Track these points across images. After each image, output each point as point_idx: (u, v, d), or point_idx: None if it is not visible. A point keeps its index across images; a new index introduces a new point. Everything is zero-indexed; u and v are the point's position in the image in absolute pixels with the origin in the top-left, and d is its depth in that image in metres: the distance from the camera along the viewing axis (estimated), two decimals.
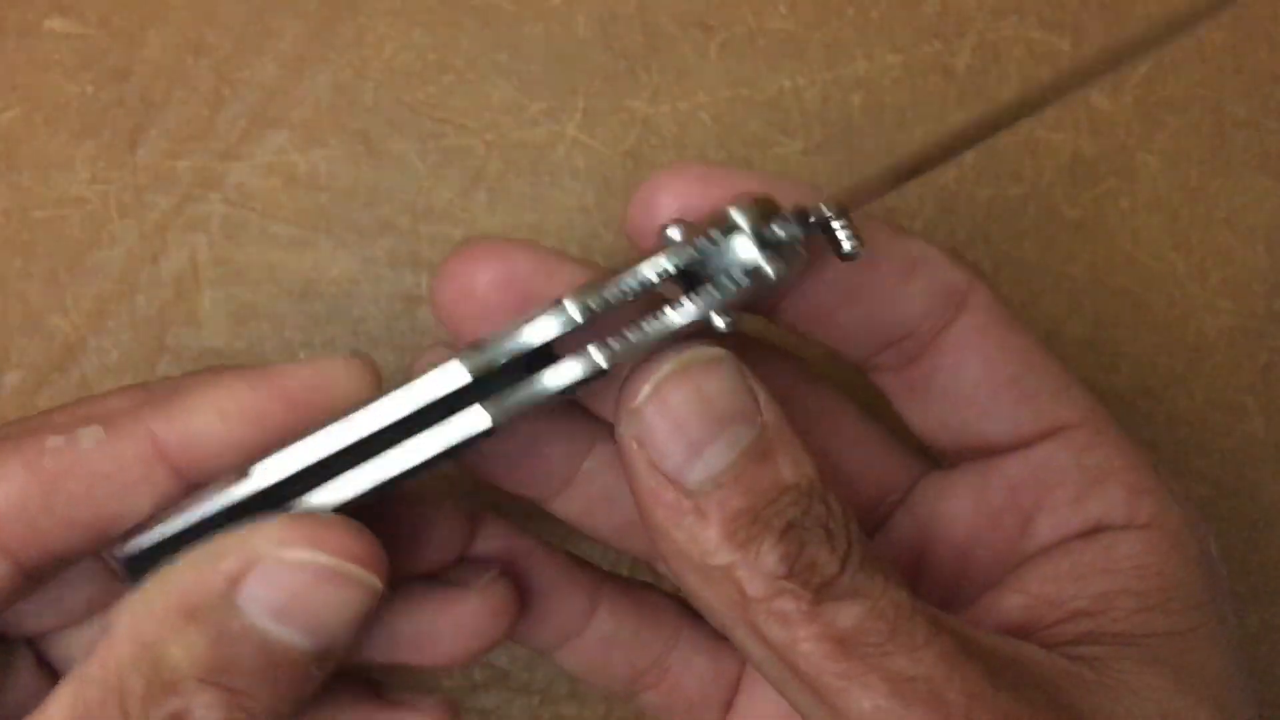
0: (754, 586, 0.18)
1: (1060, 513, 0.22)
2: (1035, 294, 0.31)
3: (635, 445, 0.19)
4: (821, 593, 0.18)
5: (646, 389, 0.19)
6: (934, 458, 0.25)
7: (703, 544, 0.18)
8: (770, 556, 0.18)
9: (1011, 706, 0.18)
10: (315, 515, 0.19)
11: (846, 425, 0.24)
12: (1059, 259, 0.31)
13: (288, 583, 0.18)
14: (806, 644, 0.18)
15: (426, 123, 0.31)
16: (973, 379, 0.22)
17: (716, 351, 0.19)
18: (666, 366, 0.19)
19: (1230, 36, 0.31)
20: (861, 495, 0.24)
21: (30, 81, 0.31)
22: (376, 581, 0.19)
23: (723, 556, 0.18)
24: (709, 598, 0.19)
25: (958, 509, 0.23)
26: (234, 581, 0.18)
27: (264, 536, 0.19)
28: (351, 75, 0.31)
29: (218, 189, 0.31)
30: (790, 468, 0.19)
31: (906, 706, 0.18)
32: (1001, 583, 0.22)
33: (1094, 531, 0.22)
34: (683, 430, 0.19)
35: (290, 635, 0.18)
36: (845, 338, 0.22)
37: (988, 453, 0.23)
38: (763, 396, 0.19)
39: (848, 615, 0.18)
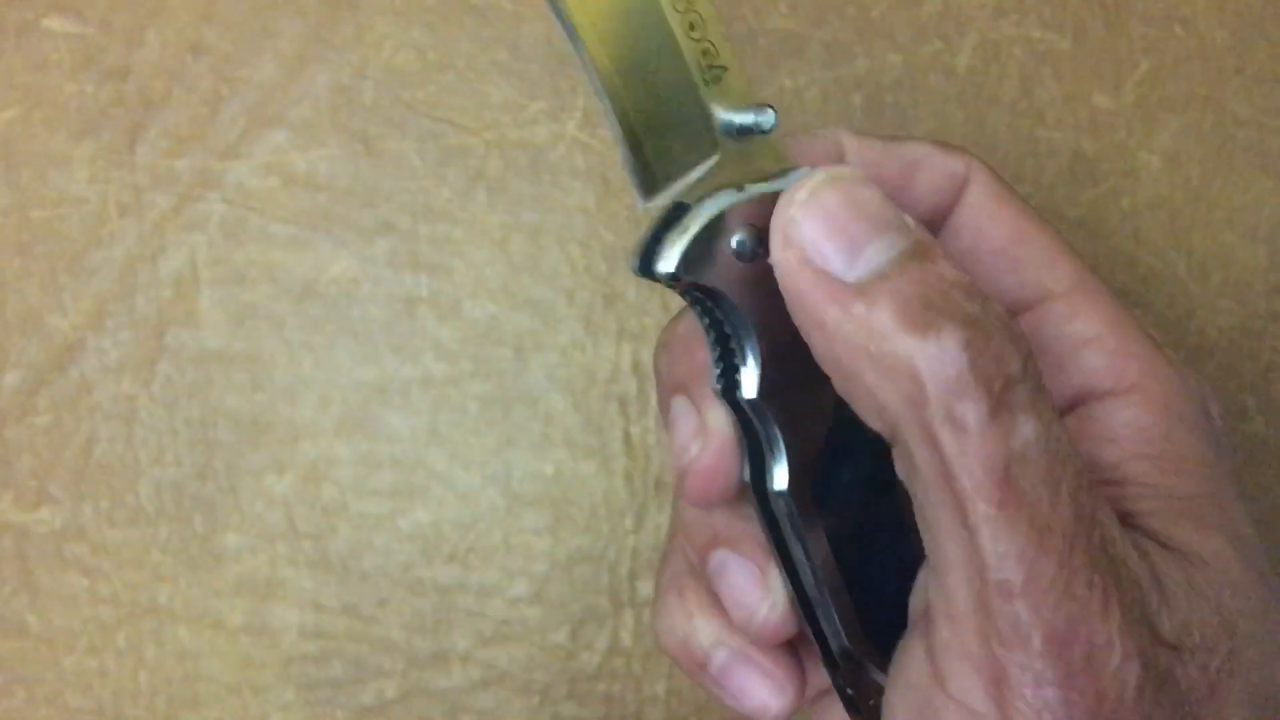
0: (935, 378, 0.17)
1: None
2: None
3: (795, 256, 0.19)
4: (1003, 398, 0.17)
5: (802, 194, 0.19)
6: None
7: (877, 328, 0.18)
8: (953, 342, 0.17)
9: (1120, 577, 0.18)
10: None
11: None
12: None
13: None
14: (977, 461, 0.17)
15: (426, 122, 0.31)
16: (962, 252, 0.23)
17: (859, 171, 0.20)
18: (819, 175, 0.19)
19: (1231, 37, 0.31)
20: None
21: (29, 81, 0.31)
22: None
23: (901, 343, 0.18)
24: (884, 394, 0.18)
25: None
26: None
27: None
28: (351, 74, 0.31)
29: (217, 188, 0.31)
30: (953, 270, 0.18)
31: (1040, 555, 0.17)
32: None
33: (1082, 401, 0.22)
34: (842, 230, 0.18)
35: None
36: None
37: None
38: (911, 217, 0.19)
39: (1021, 433, 0.17)
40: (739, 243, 0.20)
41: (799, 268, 0.19)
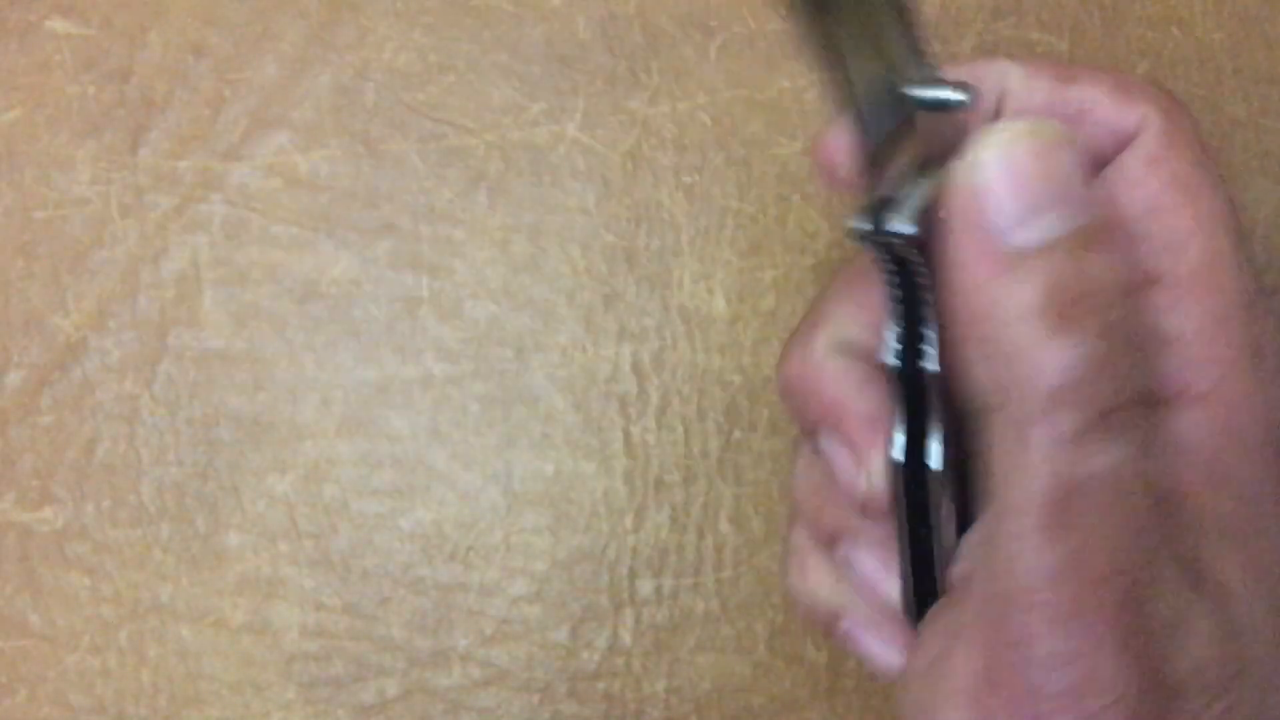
0: (1048, 380, 0.17)
1: None
2: None
3: (970, 193, 0.18)
4: (1099, 420, 0.17)
5: (998, 137, 0.18)
6: None
7: (1017, 305, 0.17)
8: (1083, 350, 0.17)
9: (1129, 630, 0.18)
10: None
11: None
12: None
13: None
14: (1042, 473, 0.17)
15: (427, 123, 0.31)
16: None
17: (1064, 130, 0.19)
18: (1021, 125, 0.18)
19: (1229, 38, 0.32)
20: None
21: (32, 82, 0.31)
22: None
23: (1034, 330, 0.17)
24: (998, 369, 0.18)
25: None
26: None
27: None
28: (352, 76, 0.31)
29: (219, 189, 0.31)
30: (1117, 267, 0.18)
31: (1063, 584, 0.17)
32: None
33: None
34: (1024, 188, 0.18)
35: None
36: None
37: None
38: (1101, 192, 0.19)
39: (1099, 460, 0.17)
40: None
41: (967, 211, 0.18)
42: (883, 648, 0.24)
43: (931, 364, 0.21)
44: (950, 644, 0.19)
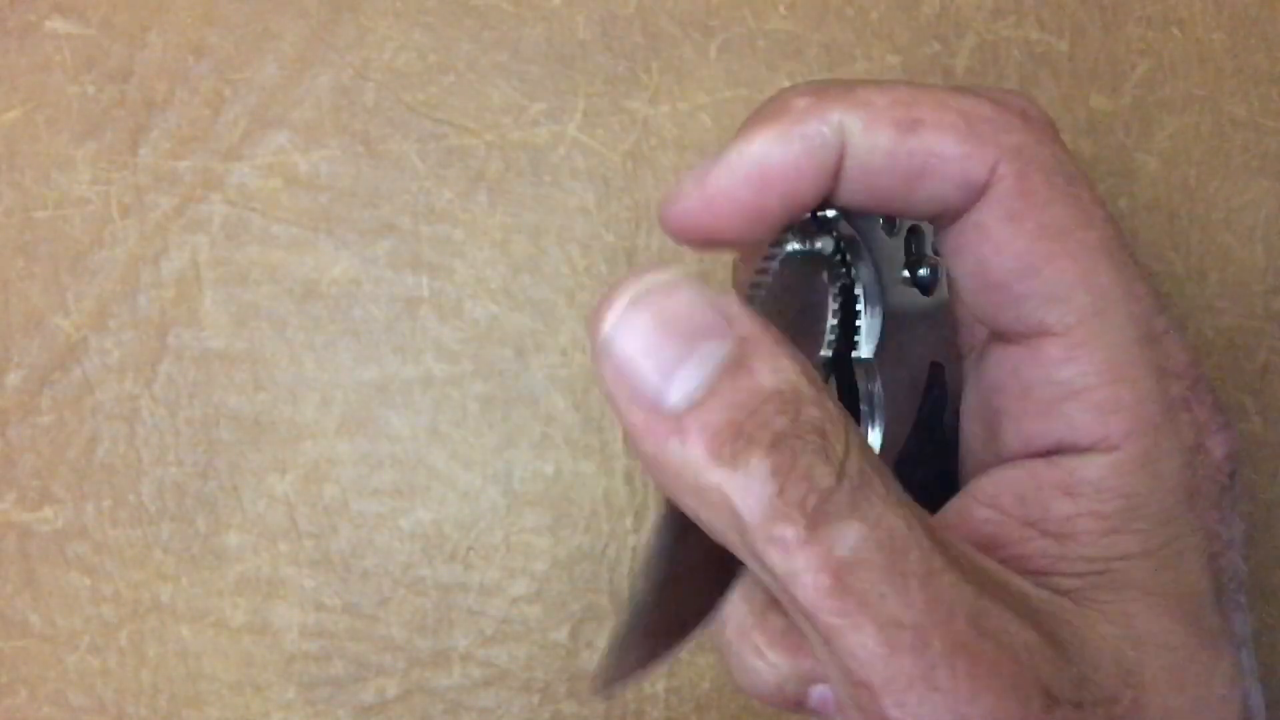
0: (749, 510, 0.17)
1: (1024, 426, 0.21)
2: None
3: (614, 374, 0.18)
4: (818, 514, 0.17)
5: (610, 317, 0.18)
6: None
7: (692, 465, 0.18)
8: (759, 471, 0.17)
9: (993, 655, 0.18)
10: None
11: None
12: None
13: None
14: (805, 576, 0.17)
15: (427, 123, 0.31)
16: (969, 274, 0.21)
17: (672, 272, 0.19)
18: (625, 294, 0.18)
19: (1229, 38, 0.32)
20: None
21: (32, 82, 0.31)
22: None
23: (713, 476, 0.18)
24: (710, 523, 0.18)
25: (967, 392, 0.23)
26: None
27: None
28: (352, 76, 0.31)
29: (219, 189, 0.31)
30: (770, 375, 0.18)
31: (893, 653, 0.17)
32: (970, 489, 0.22)
33: (1055, 452, 0.21)
34: (651, 354, 0.18)
35: None
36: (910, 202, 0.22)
37: (981, 340, 0.22)
38: (733, 309, 0.19)
39: (845, 541, 0.17)
40: (884, 220, 0.22)
41: (617, 391, 0.18)
42: None
43: (866, 351, 0.22)
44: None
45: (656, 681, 0.31)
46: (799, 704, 0.23)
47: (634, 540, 0.31)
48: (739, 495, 0.17)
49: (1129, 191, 0.31)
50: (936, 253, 0.22)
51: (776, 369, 0.18)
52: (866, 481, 0.18)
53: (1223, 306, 0.31)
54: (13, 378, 0.31)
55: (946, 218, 0.21)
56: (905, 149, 0.20)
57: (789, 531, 0.17)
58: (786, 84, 0.31)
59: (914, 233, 0.22)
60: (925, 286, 0.22)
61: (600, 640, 0.31)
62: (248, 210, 0.31)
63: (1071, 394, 0.20)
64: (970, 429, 0.23)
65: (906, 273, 0.22)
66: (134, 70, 0.31)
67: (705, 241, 0.21)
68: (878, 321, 0.21)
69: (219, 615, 0.31)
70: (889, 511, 0.18)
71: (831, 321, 0.22)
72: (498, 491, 0.31)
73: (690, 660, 0.31)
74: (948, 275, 0.22)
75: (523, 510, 0.31)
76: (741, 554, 0.18)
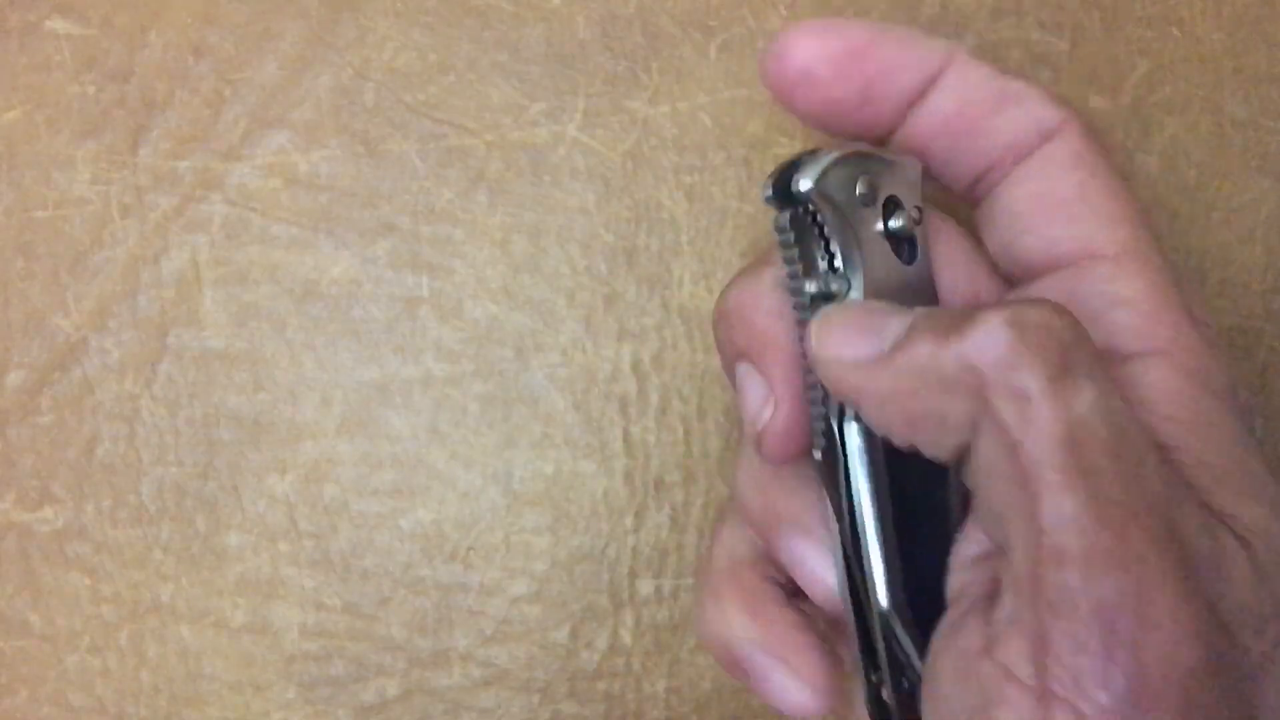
0: (990, 363, 0.18)
1: None
2: None
3: (833, 363, 0.21)
4: (1061, 363, 0.18)
5: (817, 324, 0.22)
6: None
7: (921, 361, 0.19)
8: (996, 322, 0.18)
9: (1179, 555, 0.18)
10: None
11: (961, 253, 0.25)
12: None
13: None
14: (1043, 427, 0.18)
15: (427, 123, 0.31)
16: (1027, 198, 0.23)
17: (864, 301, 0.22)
18: (825, 311, 0.22)
19: (1229, 38, 0.32)
20: None
21: (32, 82, 0.31)
22: None
23: (948, 352, 0.18)
24: (950, 408, 0.19)
25: None
26: None
27: None
28: (352, 76, 0.31)
29: (219, 189, 0.31)
30: (980, 303, 0.20)
31: (1098, 526, 0.17)
32: None
33: (1110, 360, 0.21)
34: (859, 325, 0.21)
35: None
36: (942, 169, 0.24)
37: (1030, 275, 0.23)
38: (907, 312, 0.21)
39: (1084, 400, 0.18)
40: (862, 189, 0.22)
41: (839, 373, 0.21)
42: (795, 684, 0.23)
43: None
44: (991, 636, 0.19)
45: (656, 681, 0.31)
46: (740, 667, 0.24)
47: (634, 540, 0.31)
48: (978, 350, 0.18)
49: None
50: (917, 223, 0.23)
51: (975, 305, 0.20)
52: (1098, 353, 0.18)
53: (1222, 306, 0.32)
54: (13, 378, 0.31)
55: (1015, 154, 0.23)
56: (999, 83, 0.23)
57: (1031, 379, 0.18)
58: None
59: (892, 201, 0.23)
60: (905, 252, 0.23)
61: (600, 640, 0.31)
62: (248, 210, 0.31)
63: (1119, 302, 0.22)
64: None
65: (881, 226, 0.23)
66: (134, 70, 0.31)
67: (796, 96, 0.23)
68: (859, 291, 0.22)
69: (219, 615, 0.31)
70: (1114, 391, 0.18)
71: (823, 265, 0.22)
72: (498, 491, 0.31)
73: (690, 660, 0.31)
74: (928, 251, 0.24)
75: (523, 510, 0.31)
76: (975, 429, 0.18)
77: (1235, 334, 0.32)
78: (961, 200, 0.25)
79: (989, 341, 0.18)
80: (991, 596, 0.20)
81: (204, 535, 0.31)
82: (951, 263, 0.24)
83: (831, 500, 0.23)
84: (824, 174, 0.22)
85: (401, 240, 0.31)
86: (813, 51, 0.22)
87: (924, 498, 0.22)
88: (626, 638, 0.31)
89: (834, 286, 0.22)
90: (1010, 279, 0.24)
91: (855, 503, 0.22)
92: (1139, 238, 0.22)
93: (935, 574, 0.22)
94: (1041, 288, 0.23)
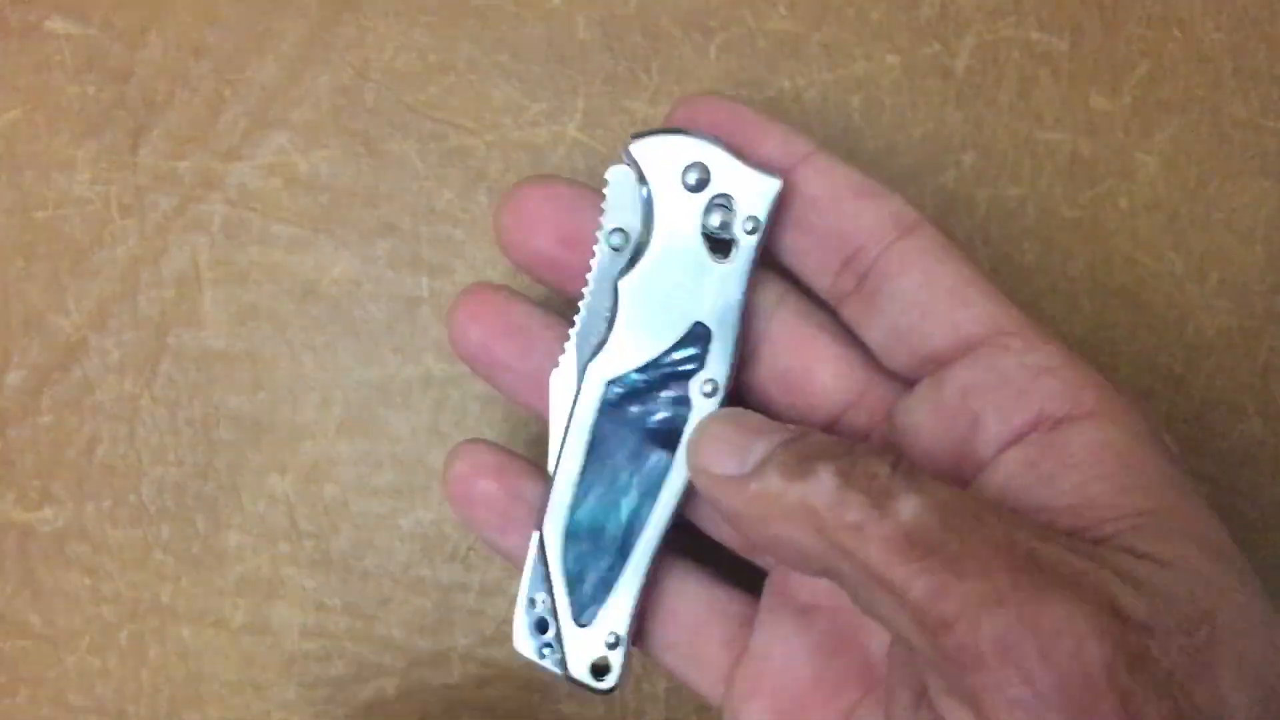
0: (822, 503, 0.20)
1: (1005, 410, 0.23)
2: (1035, 294, 0.31)
3: (703, 476, 0.23)
4: (880, 495, 0.20)
5: (697, 433, 0.24)
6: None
7: (772, 492, 0.21)
8: (826, 475, 0.21)
9: (1057, 575, 0.19)
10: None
11: (836, 349, 0.26)
12: (1058, 259, 0.31)
13: None
14: (877, 544, 0.20)
15: (427, 123, 0.31)
16: (914, 285, 0.24)
17: (738, 408, 0.25)
18: (702, 419, 0.25)
19: (1229, 37, 0.32)
20: (852, 421, 0.26)
21: (32, 82, 0.31)
22: None
23: (793, 492, 0.21)
24: (795, 538, 0.21)
25: (919, 421, 0.24)
26: None
27: None
28: (352, 76, 0.31)
29: (219, 189, 0.31)
30: (824, 438, 0.22)
31: (961, 581, 0.19)
32: (973, 490, 0.23)
33: (1039, 426, 0.23)
34: (731, 443, 0.23)
35: None
36: (809, 262, 0.26)
37: (938, 361, 0.24)
38: (788, 426, 0.23)
39: (907, 508, 0.20)
40: (691, 177, 0.25)
41: (707, 484, 0.23)
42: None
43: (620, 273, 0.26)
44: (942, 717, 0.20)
45: (657, 681, 0.31)
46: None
47: None
48: (813, 496, 0.21)
49: (1129, 191, 0.31)
50: (749, 234, 0.25)
51: (828, 435, 0.22)
52: (918, 470, 0.21)
53: (1222, 306, 0.32)
54: (13, 378, 0.31)
55: (875, 247, 0.25)
56: (850, 180, 0.25)
57: (858, 513, 0.20)
58: (786, 84, 0.31)
59: (720, 200, 0.25)
60: (722, 246, 0.25)
61: None
62: (248, 210, 0.31)
63: (1045, 371, 0.23)
64: (942, 444, 0.24)
65: (699, 218, 0.25)
66: (134, 70, 0.31)
67: None
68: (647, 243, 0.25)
69: (219, 615, 0.31)
70: (940, 486, 0.20)
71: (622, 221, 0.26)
72: None
73: None
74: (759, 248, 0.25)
75: None
76: (828, 557, 0.21)
77: (1235, 334, 0.32)
78: (824, 299, 0.26)
79: (822, 489, 0.21)
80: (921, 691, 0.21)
81: (204, 535, 0.31)
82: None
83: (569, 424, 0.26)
84: (652, 145, 0.25)
85: (402, 240, 0.31)
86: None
87: (624, 465, 0.26)
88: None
89: (615, 242, 0.25)
90: (900, 368, 0.25)
91: (567, 434, 0.26)
92: (1025, 318, 0.24)
93: (605, 527, 0.26)
94: (962, 368, 0.24)
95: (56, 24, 0.32)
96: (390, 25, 0.31)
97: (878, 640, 0.25)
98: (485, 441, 0.27)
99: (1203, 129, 0.32)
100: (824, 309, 0.26)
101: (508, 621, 0.31)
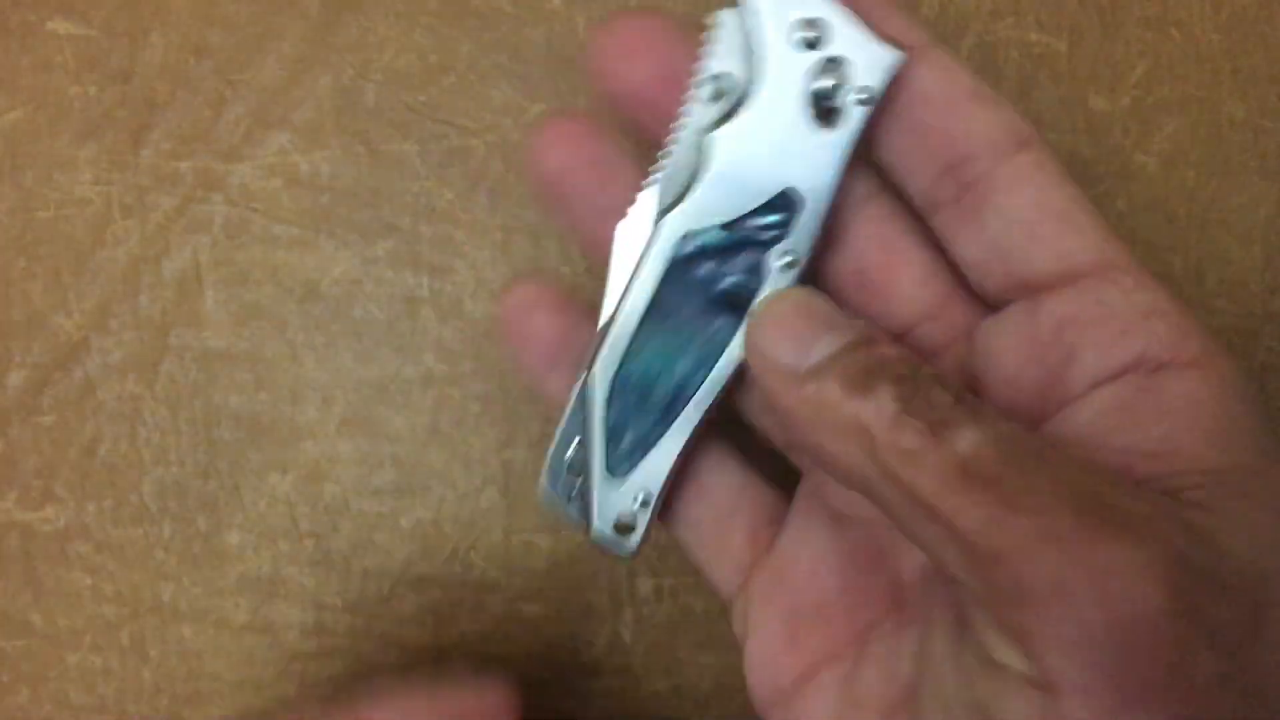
0: (879, 426, 0.20)
1: (1105, 347, 0.22)
2: None
3: (758, 359, 0.22)
4: (938, 424, 0.19)
5: (758, 307, 0.23)
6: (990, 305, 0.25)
7: (827, 400, 0.21)
8: (887, 396, 0.20)
9: (1118, 516, 0.18)
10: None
11: (922, 256, 0.25)
12: None
13: None
14: (929, 474, 0.19)
15: (428, 124, 0.32)
16: (1025, 205, 0.23)
17: (814, 290, 0.23)
18: (771, 292, 0.23)
19: (1227, 38, 0.32)
20: (926, 335, 0.25)
21: (34, 82, 0.32)
22: None
23: (848, 407, 0.20)
24: (843, 453, 0.20)
25: (1006, 346, 0.23)
26: None
27: None
28: (353, 76, 0.32)
29: (220, 190, 0.31)
30: (892, 348, 0.21)
31: (1015, 515, 0.18)
32: (1053, 424, 0.22)
33: (1138, 369, 0.21)
34: (792, 332, 0.22)
35: None
36: (909, 162, 0.24)
37: (1037, 288, 0.23)
38: (856, 319, 0.22)
39: (965, 440, 0.19)
40: (803, 33, 0.23)
41: (762, 368, 0.22)
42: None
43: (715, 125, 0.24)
44: (980, 642, 0.19)
45: (657, 680, 0.31)
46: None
47: None
48: (871, 416, 0.20)
49: (1127, 192, 0.32)
50: (860, 104, 0.23)
51: (898, 349, 0.21)
52: (982, 404, 0.20)
53: (1221, 306, 0.32)
54: (14, 377, 0.31)
55: (986, 158, 0.23)
56: (971, 83, 0.24)
57: (915, 440, 0.19)
58: None
59: (833, 62, 0.23)
60: (826, 119, 0.23)
61: (600, 638, 0.31)
62: (249, 210, 0.31)
63: (1151, 312, 0.22)
64: (1030, 374, 0.23)
65: (809, 78, 0.23)
66: (135, 71, 0.32)
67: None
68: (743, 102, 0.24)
69: (220, 614, 0.31)
70: (1003, 421, 0.20)
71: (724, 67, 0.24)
72: (497, 490, 0.31)
73: (691, 659, 0.31)
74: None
75: (523, 510, 0.31)
76: (872, 485, 0.20)
77: (1233, 334, 0.32)
78: (915, 204, 0.25)
79: (880, 409, 0.20)
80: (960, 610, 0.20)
81: (205, 535, 0.31)
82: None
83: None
84: None
85: (402, 240, 0.31)
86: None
87: (686, 325, 0.24)
88: (626, 636, 0.31)
89: (711, 91, 0.24)
90: (1009, 291, 0.23)
91: (631, 284, 0.24)
92: (1131, 255, 0.23)
93: (655, 385, 0.24)
94: (1063, 299, 0.22)
95: (58, 25, 0.32)
96: (391, 26, 0.32)
97: (909, 562, 0.24)
98: (545, 281, 0.26)
99: (1201, 130, 0.32)
100: (912, 215, 0.25)
101: (508, 620, 0.31)
